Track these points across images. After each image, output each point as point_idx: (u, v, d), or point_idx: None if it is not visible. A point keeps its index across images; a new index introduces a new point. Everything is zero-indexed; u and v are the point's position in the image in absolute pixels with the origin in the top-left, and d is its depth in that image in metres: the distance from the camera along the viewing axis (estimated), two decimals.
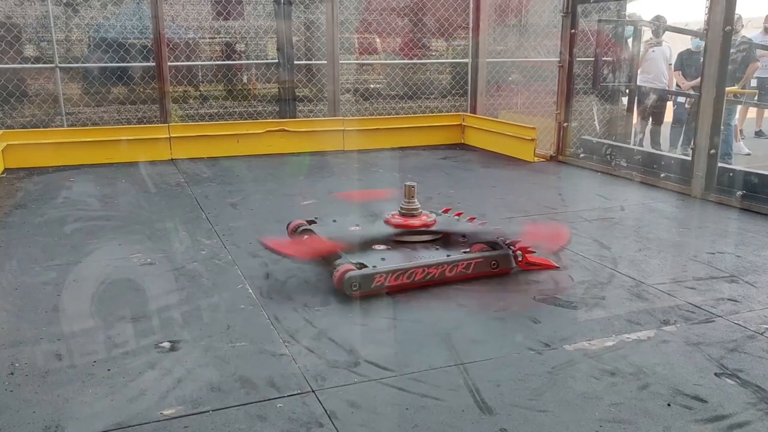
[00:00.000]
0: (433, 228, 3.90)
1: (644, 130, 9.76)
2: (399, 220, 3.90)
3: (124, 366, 2.64)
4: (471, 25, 8.77)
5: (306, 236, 4.00)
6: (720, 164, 5.49)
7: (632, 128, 9.60)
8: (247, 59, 8.87)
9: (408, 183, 3.94)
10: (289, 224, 4.17)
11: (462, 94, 9.35)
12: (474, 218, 4.27)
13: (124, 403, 2.38)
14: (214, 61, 8.75)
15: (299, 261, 3.78)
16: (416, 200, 3.95)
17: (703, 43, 5.67)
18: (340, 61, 8.33)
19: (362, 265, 3.36)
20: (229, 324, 3.04)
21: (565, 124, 7.16)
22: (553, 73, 7.41)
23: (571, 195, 5.85)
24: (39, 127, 7.60)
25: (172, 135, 7.19)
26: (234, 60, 8.81)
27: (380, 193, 5.23)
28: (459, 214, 4.33)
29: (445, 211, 4.36)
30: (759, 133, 11.67)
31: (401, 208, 3.94)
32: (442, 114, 9.02)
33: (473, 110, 8.79)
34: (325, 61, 8.30)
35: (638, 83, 9.42)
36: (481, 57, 8.70)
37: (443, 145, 8.23)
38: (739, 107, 10.07)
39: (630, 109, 9.54)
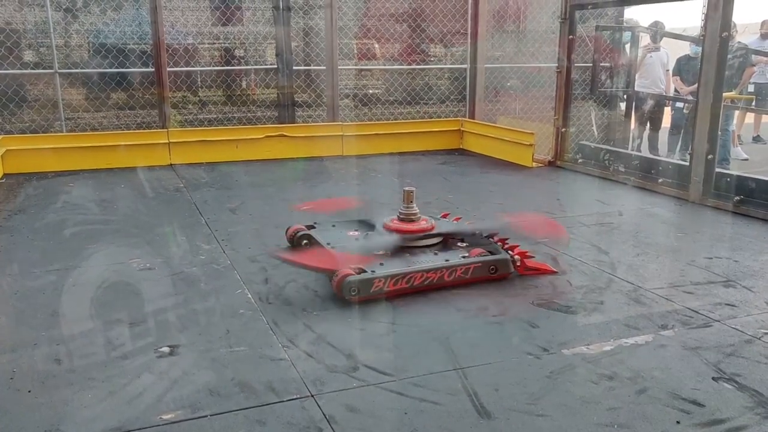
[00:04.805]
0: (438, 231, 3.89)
1: (642, 136, 9.79)
2: (399, 225, 3.90)
3: (123, 370, 2.65)
4: (470, 31, 8.80)
5: (305, 242, 4.03)
6: (718, 169, 5.51)
7: (630, 133, 9.63)
8: (246, 65, 8.90)
9: (407, 188, 3.93)
10: (288, 229, 4.19)
11: (461, 100, 9.38)
12: (473, 221, 4.28)
13: (123, 407, 2.39)
14: (214, 66, 8.78)
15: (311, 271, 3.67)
16: (415, 205, 3.95)
17: (700, 49, 5.70)
18: (339, 67, 8.35)
19: (361, 270, 3.36)
20: (228, 328, 3.05)
21: (564, 130, 7.18)
22: (552, 79, 7.44)
23: (569, 200, 5.86)
24: (38, 133, 7.62)
25: (171, 140, 7.20)
26: (233, 65, 8.84)
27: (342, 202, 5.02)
28: (458, 219, 4.34)
29: (444, 216, 4.37)
30: (756, 139, 11.71)
31: (400, 213, 3.94)
32: (441, 119, 9.04)
33: (472, 115, 8.80)
34: (324, 67, 8.33)
35: (636, 89, 9.45)
36: (479, 63, 8.72)
37: (442, 150, 8.24)
38: (736, 113, 10.11)
39: (628, 115, 9.57)
